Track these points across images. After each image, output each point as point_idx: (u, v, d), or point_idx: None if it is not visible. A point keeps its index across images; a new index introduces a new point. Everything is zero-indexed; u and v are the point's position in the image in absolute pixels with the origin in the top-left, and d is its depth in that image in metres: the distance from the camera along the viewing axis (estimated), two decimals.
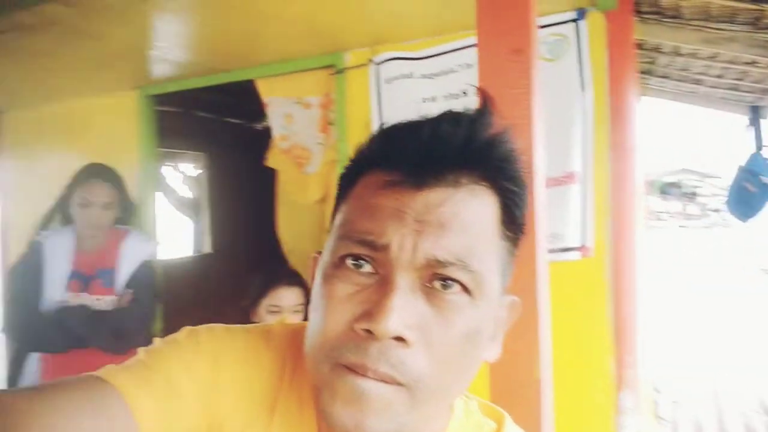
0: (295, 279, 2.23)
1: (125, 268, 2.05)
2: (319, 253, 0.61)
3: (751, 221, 3.84)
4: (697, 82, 3.91)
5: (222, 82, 2.52)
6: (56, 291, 1.98)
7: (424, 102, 2.03)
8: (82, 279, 2.03)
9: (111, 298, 2.03)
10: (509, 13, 0.83)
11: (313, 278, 0.62)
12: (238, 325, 0.67)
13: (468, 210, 0.52)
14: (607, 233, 1.73)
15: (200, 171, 4.22)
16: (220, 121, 4.04)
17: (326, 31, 2.05)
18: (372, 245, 0.51)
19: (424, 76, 2.03)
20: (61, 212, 2.12)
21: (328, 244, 0.57)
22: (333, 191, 2.38)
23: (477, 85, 0.86)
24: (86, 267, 2.05)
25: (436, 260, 0.50)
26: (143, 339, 2.06)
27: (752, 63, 3.05)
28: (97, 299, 2.01)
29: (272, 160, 2.55)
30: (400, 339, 0.49)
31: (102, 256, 2.07)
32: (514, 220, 0.56)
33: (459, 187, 0.52)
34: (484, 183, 0.53)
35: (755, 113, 3.80)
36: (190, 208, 4.17)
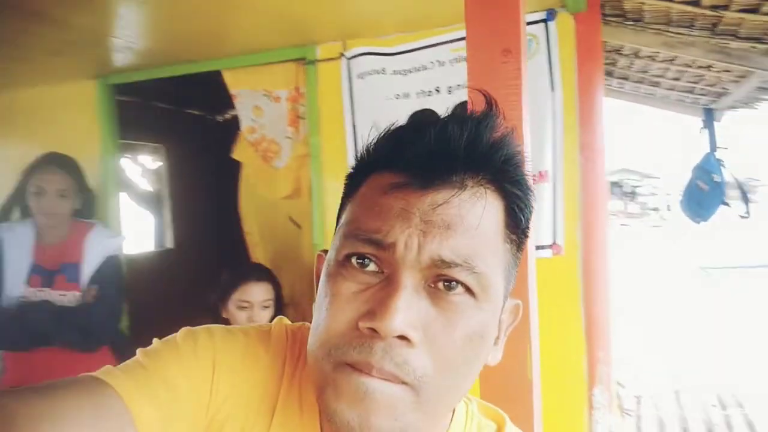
0: (264, 274, 2.21)
1: (90, 263, 1.97)
2: (324, 252, 0.61)
3: (704, 223, 3.98)
4: (655, 84, 4.03)
5: (186, 73, 2.46)
6: (16, 286, 1.90)
7: (397, 98, 2.02)
8: (44, 274, 1.95)
9: (75, 293, 1.95)
10: (498, 14, 0.83)
11: (317, 277, 0.62)
12: (237, 327, 0.67)
13: (473, 212, 0.52)
14: (578, 232, 1.76)
15: (160, 163, 4.11)
16: (180, 113, 3.94)
17: (297, 23, 2.02)
18: (378, 244, 0.51)
19: (397, 72, 2.03)
20: (18, 203, 2.02)
21: (334, 242, 0.57)
22: (304, 187, 2.38)
23: (467, 85, 0.86)
24: (49, 261, 1.97)
25: (441, 260, 0.50)
26: (110, 336, 2.01)
27: (708, 67, 3.16)
28: (61, 295, 1.93)
29: (239, 152, 2.50)
30: (404, 338, 0.49)
31: (65, 250, 1.99)
32: (518, 224, 0.56)
33: (464, 189, 0.52)
34: (489, 186, 0.54)
35: (709, 115, 3.94)
36: (151, 201, 4.06)
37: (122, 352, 1.97)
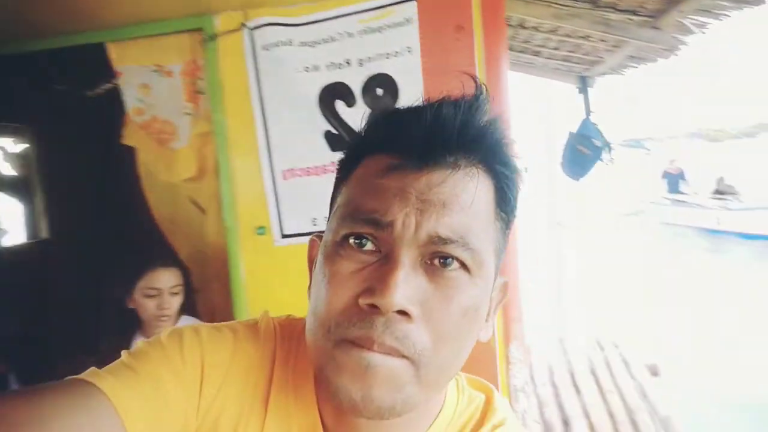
0: (170, 259, 2.08)
1: None
2: (318, 236, 0.63)
3: (582, 179, 4.34)
4: (536, 53, 4.26)
5: (59, 46, 2.18)
6: None
7: (307, 71, 1.94)
8: None
9: None
10: None
11: (312, 261, 0.64)
12: (223, 324, 0.67)
13: (466, 191, 0.54)
14: None
15: (26, 145, 3.68)
16: (47, 89, 3.53)
17: None
18: (376, 223, 0.53)
19: (305, 44, 1.95)
20: None
21: (330, 225, 0.59)
22: (209, 166, 2.24)
23: (420, 62, 0.84)
24: None
25: (438, 237, 0.52)
26: None
27: (586, 37, 3.39)
28: None
29: (129, 136, 2.28)
30: (403, 314, 0.51)
31: None
32: (507, 203, 0.59)
33: (457, 169, 0.55)
34: (480, 166, 0.56)
35: (584, 82, 4.25)
36: (17, 188, 3.63)
37: None
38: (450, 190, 0.53)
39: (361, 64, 1.92)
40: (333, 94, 1.94)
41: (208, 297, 2.42)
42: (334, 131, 1.95)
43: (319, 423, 0.62)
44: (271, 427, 0.61)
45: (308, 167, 1.99)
